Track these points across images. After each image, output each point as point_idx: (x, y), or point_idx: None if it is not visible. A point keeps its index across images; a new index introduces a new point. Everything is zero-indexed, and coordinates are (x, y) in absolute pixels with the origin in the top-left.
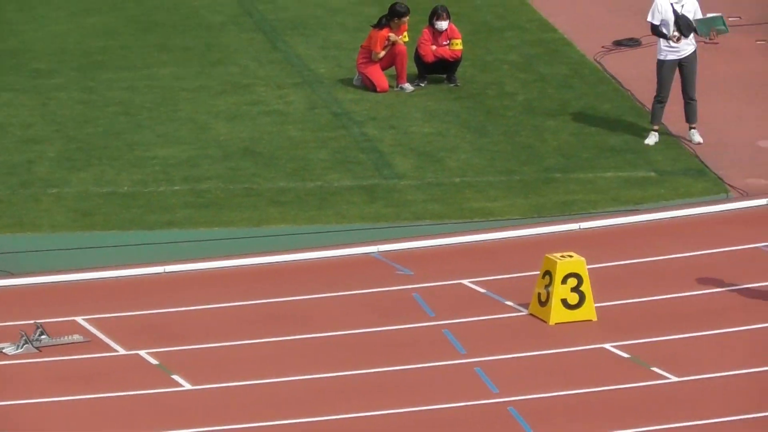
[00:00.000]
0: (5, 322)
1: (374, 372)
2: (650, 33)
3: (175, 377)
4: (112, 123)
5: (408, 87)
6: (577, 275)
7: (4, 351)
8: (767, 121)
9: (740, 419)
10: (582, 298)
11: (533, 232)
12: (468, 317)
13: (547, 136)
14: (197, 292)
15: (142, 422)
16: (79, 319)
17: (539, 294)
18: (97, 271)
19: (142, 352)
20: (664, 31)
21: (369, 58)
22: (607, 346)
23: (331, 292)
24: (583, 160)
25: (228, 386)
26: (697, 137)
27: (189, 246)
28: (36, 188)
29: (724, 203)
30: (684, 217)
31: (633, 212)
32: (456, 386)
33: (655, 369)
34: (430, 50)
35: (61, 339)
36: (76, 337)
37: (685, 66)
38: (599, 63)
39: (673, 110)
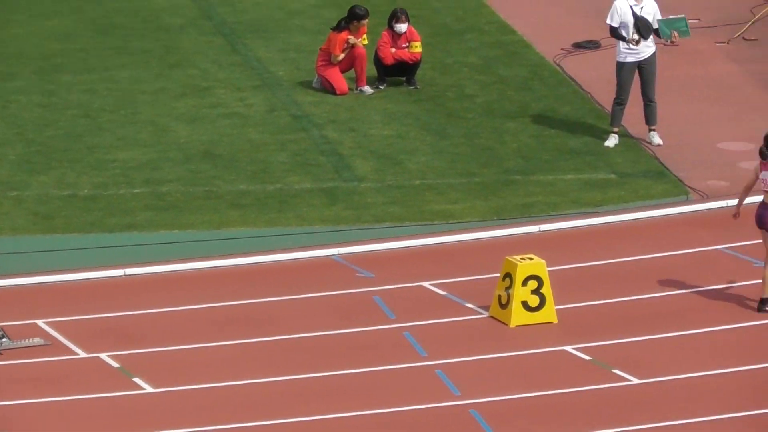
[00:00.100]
0: None
1: (335, 375)
2: (609, 35)
3: (136, 380)
4: (72, 126)
5: (367, 89)
6: (537, 277)
7: None
8: (727, 122)
9: (702, 421)
10: (542, 300)
11: (493, 235)
12: (428, 320)
13: (507, 139)
14: (158, 294)
15: (103, 425)
16: (40, 322)
17: (500, 296)
18: (57, 273)
19: (103, 355)
20: (623, 33)
21: (328, 60)
22: (568, 348)
23: (291, 295)
24: (543, 163)
25: (189, 389)
26: (656, 139)
27: (149, 249)
28: None
29: (685, 205)
30: (644, 219)
31: (593, 214)
32: (417, 389)
33: (616, 371)
34: (390, 53)
35: (22, 342)
36: (37, 340)
37: (644, 68)
38: (559, 65)
39: (633, 112)
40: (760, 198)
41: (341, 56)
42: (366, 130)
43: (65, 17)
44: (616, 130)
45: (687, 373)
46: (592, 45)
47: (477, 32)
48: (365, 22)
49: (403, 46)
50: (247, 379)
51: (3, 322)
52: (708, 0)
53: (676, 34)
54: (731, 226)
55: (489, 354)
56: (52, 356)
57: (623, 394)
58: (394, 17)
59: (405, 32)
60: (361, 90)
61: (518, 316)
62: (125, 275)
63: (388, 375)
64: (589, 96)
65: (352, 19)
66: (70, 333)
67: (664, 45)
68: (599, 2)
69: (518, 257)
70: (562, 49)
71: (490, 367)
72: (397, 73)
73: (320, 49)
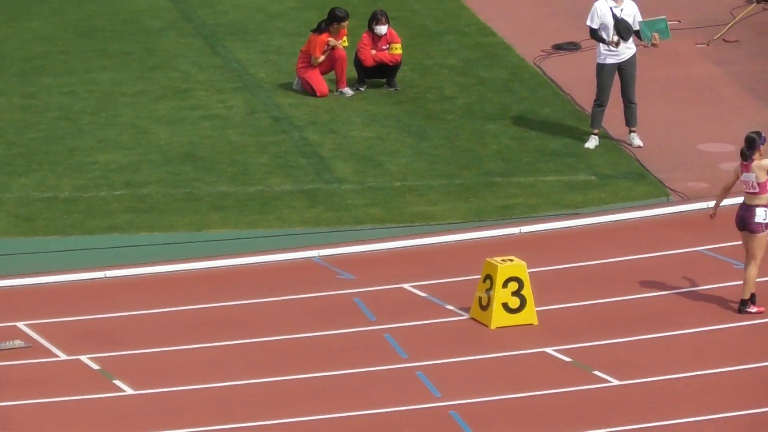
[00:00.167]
0: None
1: (315, 377)
2: (589, 37)
3: (117, 382)
4: (53, 128)
5: (348, 91)
6: (518, 279)
7: None
8: (707, 124)
9: (682, 422)
10: (523, 302)
11: (474, 236)
12: (409, 321)
13: (488, 140)
14: (138, 296)
15: (83, 427)
16: (21, 325)
17: (480, 298)
18: (38, 276)
19: (84, 357)
20: (604, 34)
21: (308, 62)
22: (549, 350)
23: (272, 297)
24: (523, 164)
25: (169, 391)
26: (637, 141)
27: (130, 251)
28: None
29: (665, 207)
30: (624, 221)
31: (574, 216)
32: (398, 390)
33: (596, 372)
34: (370, 55)
35: (2, 345)
36: (18, 343)
37: (624, 69)
38: (539, 67)
39: (613, 114)
40: (738, 199)
41: (321, 58)
42: (346, 131)
43: (46, 20)
44: (596, 131)
45: (667, 375)
46: (572, 47)
47: (457, 34)
48: (345, 24)
49: (383, 48)
50: (228, 381)
51: None
52: (688, 2)
53: (657, 36)
54: (711, 228)
55: (469, 356)
56: (33, 359)
57: (603, 396)
58: (374, 19)
59: (385, 34)
60: (341, 92)
61: (499, 318)
62: (106, 277)
63: (368, 377)
64: (569, 98)
65: (332, 21)
66: (51, 335)
67: (645, 47)
68: (579, 4)
69: (499, 259)
70: (542, 50)
71: (471, 369)
72: (377, 74)
73: (300, 51)
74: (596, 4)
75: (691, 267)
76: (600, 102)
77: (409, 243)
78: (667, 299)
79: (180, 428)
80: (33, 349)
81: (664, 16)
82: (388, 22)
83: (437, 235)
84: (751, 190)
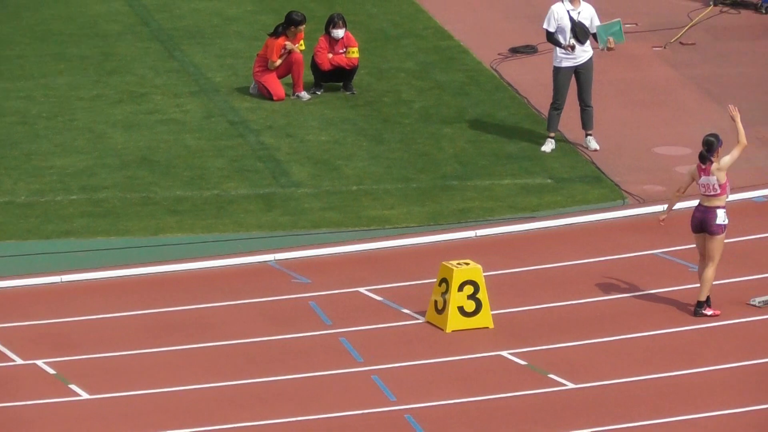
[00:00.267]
0: None
1: (271, 380)
2: (546, 40)
3: (73, 387)
4: (9, 133)
5: (304, 95)
6: (473, 282)
7: None
8: (664, 127)
9: (637, 426)
10: (479, 305)
11: (430, 240)
12: (365, 325)
13: (444, 144)
14: (95, 301)
15: None
16: None
17: (436, 302)
18: None
19: (40, 362)
20: (560, 38)
21: (265, 66)
22: (504, 353)
23: (228, 301)
24: (479, 168)
25: (125, 395)
26: (593, 144)
27: (86, 255)
28: None
29: (621, 210)
30: (580, 224)
31: (529, 219)
32: (353, 394)
33: (552, 376)
34: (327, 58)
35: None
36: None
37: (581, 73)
38: (496, 70)
39: (570, 117)
40: (688, 203)
41: (278, 62)
42: (303, 135)
43: (2, 24)
44: (552, 135)
45: (622, 378)
46: (529, 50)
47: (414, 38)
48: (302, 27)
49: (340, 51)
50: (183, 385)
51: None
52: (645, 5)
53: (612, 41)
54: (667, 231)
55: (425, 359)
56: None
57: (558, 399)
58: (332, 23)
59: (342, 38)
60: (298, 96)
61: (454, 321)
62: (62, 282)
63: (324, 381)
64: (525, 101)
65: (289, 24)
66: (7, 340)
67: (602, 51)
68: (536, 7)
69: (455, 262)
70: (499, 54)
71: (426, 373)
72: (334, 78)
73: (257, 54)
74: (553, 7)
75: (646, 270)
76: (556, 105)
77: (365, 247)
78: (622, 302)
79: None
80: None
81: (618, 19)
82: (345, 25)
83: (393, 239)
84: (711, 193)
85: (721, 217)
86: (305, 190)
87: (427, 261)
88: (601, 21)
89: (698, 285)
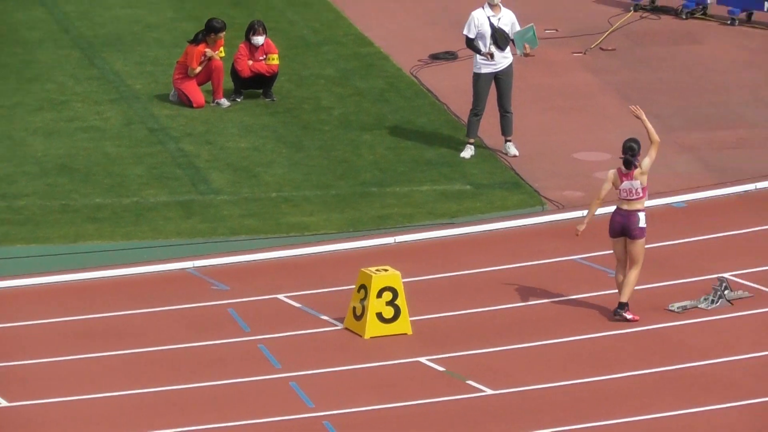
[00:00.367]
0: None
1: (190, 387)
2: (465, 46)
3: None
4: None
5: (224, 102)
6: (392, 289)
7: None
8: (584, 133)
9: (555, 431)
10: (397, 311)
11: (349, 246)
12: (283, 332)
13: (363, 151)
14: (13, 308)
15: None
16: None
17: (354, 308)
18: None
19: None
20: (480, 44)
21: (185, 73)
22: (423, 359)
23: (147, 308)
24: (399, 174)
25: (44, 403)
26: (512, 150)
27: (5, 263)
28: None
29: (540, 216)
30: (500, 230)
31: (449, 226)
32: (271, 401)
33: (470, 382)
34: (247, 65)
35: None
36: None
37: (501, 79)
38: (415, 77)
39: (489, 123)
40: (606, 209)
41: (198, 69)
42: (222, 142)
43: None
44: (472, 141)
45: (541, 384)
46: (448, 56)
47: (334, 44)
48: (222, 34)
49: (261, 58)
50: (103, 392)
51: None
52: (566, 10)
53: (527, 46)
54: (586, 237)
55: (343, 366)
56: None
57: (477, 405)
58: (252, 30)
59: (262, 45)
60: (217, 103)
61: (373, 328)
62: None
63: (242, 387)
64: (445, 107)
65: (209, 32)
66: None
67: (521, 57)
68: (456, 13)
69: (373, 269)
70: (419, 60)
71: (345, 379)
72: (254, 85)
73: (177, 62)
74: (474, 13)
75: (565, 276)
76: (476, 111)
77: (284, 254)
78: (541, 308)
79: None
80: None
81: (531, 25)
82: (265, 32)
83: (312, 246)
84: (634, 197)
85: (643, 220)
86: (224, 197)
87: (346, 267)
88: (520, 27)
89: (616, 291)
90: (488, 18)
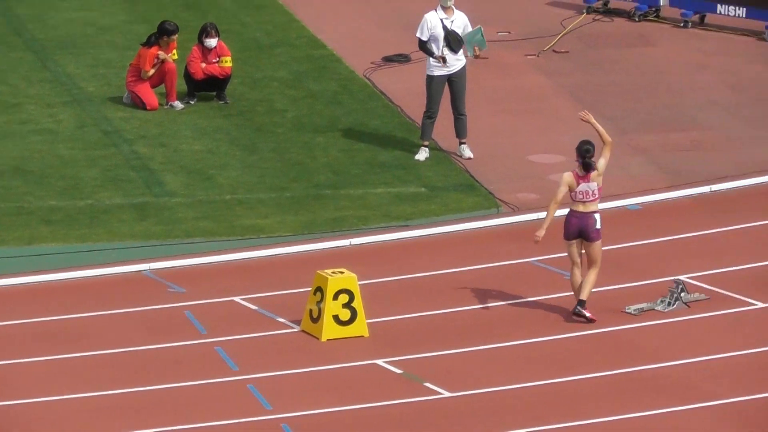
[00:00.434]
0: None
1: (146, 390)
2: (418, 48)
3: None
4: None
5: (178, 105)
6: (348, 291)
7: None
8: (537, 135)
9: None
10: (354, 314)
11: (304, 249)
12: (240, 334)
13: (317, 153)
14: None
15: None
16: None
17: (311, 310)
18: None
19: None
20: (434, 46)
21: (138, 76)
22: (380, 361)
23: (102, 311)
24: (353, 177)
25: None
26: (467, 152)
27: None
28: None
29: (495, 218)
30: (455, 233)
31: (403, 228)
32: (228, 403)
33: (427, 384)
34: (200, 68)
35: None
36: None
37: (454, 81)
38: (369, 79)
39: (443, 125)
40: (559, 212)
41: (151, 72)
42: (176, 145)
43: None
44: (426, 143)
45: (498, 386)
46: (401, 58)
47: (287, 47)
48: (175, 37)
49: (214, 61)
50: (59, 395)
51: None
52: (519, 13)
53: (477, 48)
54: (542, 239)
55: (300, 368)
56: None
57: (434, 408)
58: (204, 32)
59: (215, 47)
60: (171, 105)
61: (329, 330)
62: None
63: (199, 390)
64: (399, 109)
65: (162, 34)
66: None
67: (475, 58)
68: (409, 16)
69: (329, 271)
70: (372, 62)
71: (302, 381)
72: (207, 88)
73: (130, 64)
74: (427, 15)
75: (521, 278)
76: (430, 114)
77: (239, 256)
78: (497, 310)
79: None
80: None
81: (479, 27)
82: (218, 35)
83: (267, 248)
84: (591, 199)
85: (599, 221)
86: (179, 200)
87: (302, 270)
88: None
89: (572, 293)
90: (441, 20)
